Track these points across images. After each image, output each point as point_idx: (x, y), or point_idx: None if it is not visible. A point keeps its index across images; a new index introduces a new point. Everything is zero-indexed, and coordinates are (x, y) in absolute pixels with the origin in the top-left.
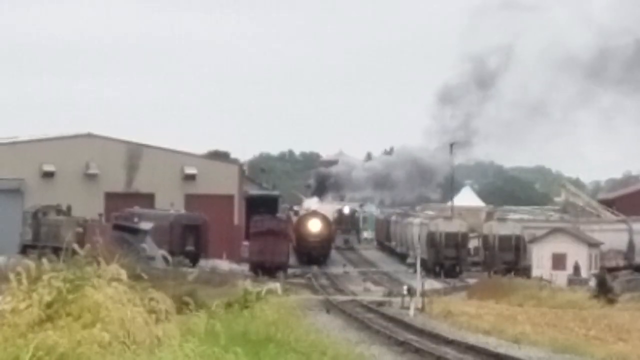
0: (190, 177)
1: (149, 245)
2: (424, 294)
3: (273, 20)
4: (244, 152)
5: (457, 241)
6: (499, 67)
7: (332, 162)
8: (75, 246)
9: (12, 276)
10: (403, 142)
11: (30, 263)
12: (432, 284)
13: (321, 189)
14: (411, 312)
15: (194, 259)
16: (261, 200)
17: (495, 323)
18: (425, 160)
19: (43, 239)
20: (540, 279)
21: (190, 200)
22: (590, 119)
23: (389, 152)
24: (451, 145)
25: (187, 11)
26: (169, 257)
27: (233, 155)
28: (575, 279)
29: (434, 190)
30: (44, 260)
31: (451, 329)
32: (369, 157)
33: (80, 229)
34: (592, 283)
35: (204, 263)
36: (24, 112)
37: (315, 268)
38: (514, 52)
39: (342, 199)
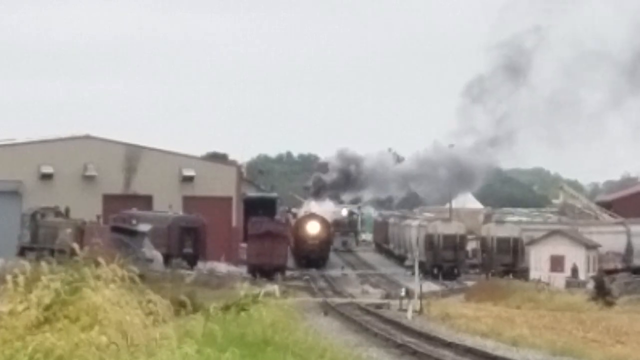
0: (189, 179)
1: (147, 247)
2: (422, 296)
3: (273, 20)
4: (242, 154)
5: (455, 243)
6: (527, 61)
7: (358, 159)
8: (75, 247)
9: (9, 278)
10: (434, 139)
11: (28, 265)
12: (430, 286)
13: (341, 184)
14: (409, 314)
15: (192, 261)
16: (259, 202)
17: (493, 325)
18: (466, 160)
19: (41, 241)
20: (538, 281)
21: (189, 202)
22: (621, 121)
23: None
24: (450, 146)
25: (187, 11)
26: (160, 257)
27: (231, 157)
28: (573, 281)
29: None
30: (42, 263)
31: (449, 331)
32: None
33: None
34: (590, 285)
35: (202, 265)
36: (22, 114)
37: (313, 271)
38: (540, 49)
39: (356, 201)
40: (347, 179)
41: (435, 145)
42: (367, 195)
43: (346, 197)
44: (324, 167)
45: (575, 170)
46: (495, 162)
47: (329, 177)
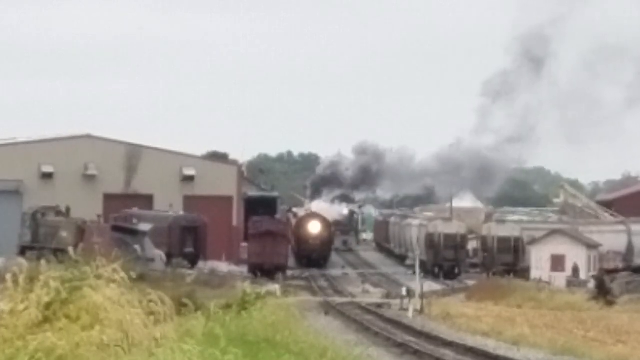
0: (189, 179)
1: (147, 247)
2: (422, 295)
3: (273, 20)
4: (243, 153)
5: (456, 243)
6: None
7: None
8: (71, 249)
9: (8, 277)
10: (456, 137)
11: (26, 264)
12: (431, 285)
13: (358, 182)
14: (410, 313)
15: (192, 261)
16: (260, 201)
17: (494, 325)
18: (491, 159)
19: (42, 241)
20: (539, 280)
21: (189, 201)
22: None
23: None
24: (450, 146)
25: (187, 11)
26: (164, 257)
27: (232, 157)
28: (574, 281)
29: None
30: (42, 262)
31: (450, 330)
32: None
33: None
34: (591, 285)
35: (203, 265)
36: (22, 113)
37: (314, 270)
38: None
39: (371, 201)
40: (365, 175)
41: (457, 143)
42: (383, 192)
43: (360, 195)
44: (337, 164)
45: (576, 170)
46: (519, 160)
47: (347, 174)
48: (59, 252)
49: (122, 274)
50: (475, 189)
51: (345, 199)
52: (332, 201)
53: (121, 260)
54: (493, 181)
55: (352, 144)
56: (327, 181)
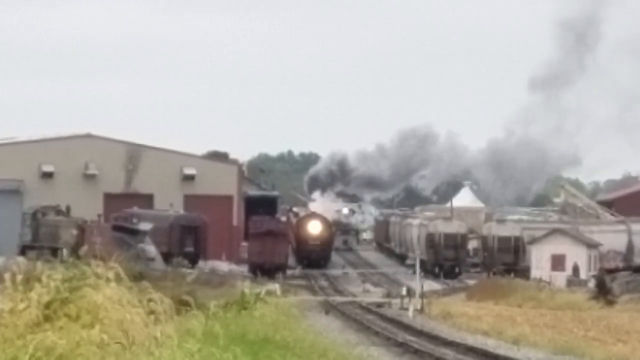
0: (190, 178)
1: (147, 246)
2: (423, 295)
3: (273, 20)
4: (243, 153)
5: (456, 242)
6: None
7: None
8: (67, 245)
9: (8, 276)
10: (506, 129)
11: (24, 262)
12: (431, 285)
13: (400, 173)
14: (410, 313)
15: (193, 260)
16: (260, 200)
17: (494, 324)
18: (541, 151)
19: (42, 240)
20: (540, 280)
21: (190, 200)
22: None
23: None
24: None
25: (187, 11)
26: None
27: (232, 156)
28: (574, 280)
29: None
30: (38, 262)
31: (450, 330)
32: None
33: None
34: (591, 284)
35: (203, 264)
36: (22, 113)
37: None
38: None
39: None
40: (406, 165)
41: (507, 134)
42: (422, 182)
43: (394, 190)
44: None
45: (576, 169)
46: (574, 160)
47: (384, 171)
48: (59, 251)
49: (118, 273)
50: (520, 183)
51: (379, 203)
52: (377, 206)
53: (121, 259)
54: (541, 177)
55: (393, 131)
56: (356, 181)
